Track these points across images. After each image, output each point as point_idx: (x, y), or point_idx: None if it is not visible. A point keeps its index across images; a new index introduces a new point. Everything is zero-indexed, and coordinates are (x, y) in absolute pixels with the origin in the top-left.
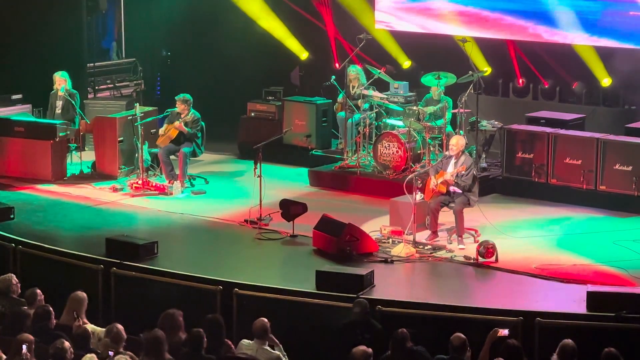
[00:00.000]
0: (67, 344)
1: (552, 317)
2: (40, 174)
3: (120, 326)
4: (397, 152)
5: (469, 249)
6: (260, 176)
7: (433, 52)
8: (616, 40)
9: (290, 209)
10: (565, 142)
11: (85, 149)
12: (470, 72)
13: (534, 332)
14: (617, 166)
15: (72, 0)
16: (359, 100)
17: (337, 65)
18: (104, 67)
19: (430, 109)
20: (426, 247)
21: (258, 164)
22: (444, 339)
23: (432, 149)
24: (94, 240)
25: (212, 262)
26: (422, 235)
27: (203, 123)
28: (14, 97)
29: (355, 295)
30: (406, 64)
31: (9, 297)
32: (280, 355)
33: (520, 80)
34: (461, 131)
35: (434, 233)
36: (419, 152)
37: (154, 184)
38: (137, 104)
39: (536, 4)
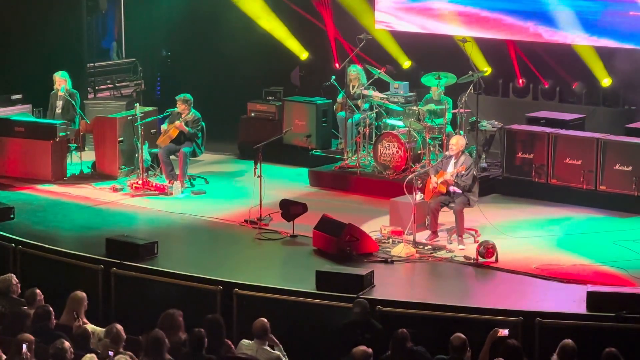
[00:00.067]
0: (67, 344)
1: (552, 317)
2: (40, 174)
3: (120, 326)
4: (397, 152)
5: (469, 249)
6: (260, 176)
7: (433, 52)
8: (616, 40)
9: (290, 209)
10: (565, 142)
11: (85, 149)
12: (470, 72)
13: (534, 332)
14: (617, 166)
15: (72, 0)
16: (359, 100)
17: (337, 65)
18: (104, 67)
19: (431, 106)
20: (426, 247)
21: (258, 164)
22: (444, 339)
23: (432, 149)
24: (94, 240)
25: (212, 262)
26: (422, 236)
27: (203, 123)
28: (14, 97)
29: (355, 296)
30: (406, 64)
31: (9, 297)
32: (280, 355)
33: (520, 81)
34: (461, 131)
35: (434, 233)
36: (419, 152)
37: (154, 184)
38: (137, 104)
39: (536, 4)
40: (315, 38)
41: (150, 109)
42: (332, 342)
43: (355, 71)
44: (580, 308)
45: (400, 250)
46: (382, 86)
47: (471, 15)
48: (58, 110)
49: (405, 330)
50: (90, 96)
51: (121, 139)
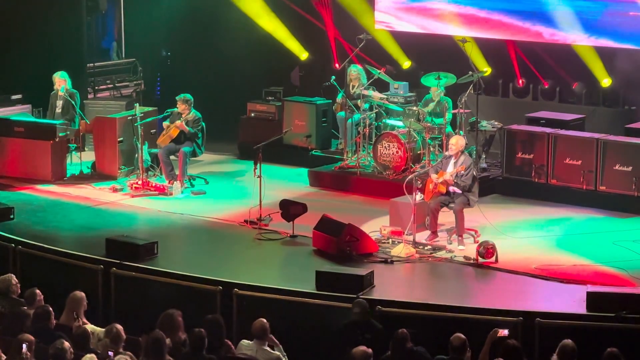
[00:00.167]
0: (67, 344)
1: (552, 317)
2: (40, 174)
3: (119, 326)
4: (397, 152)
5: (469, 249)
6: (260, 176)
7: (433, 52)
8: (616, 41)
9: (290, 209)
10: (565, 143)
11: (85, 149)
12: (470, 72)
13: (534, 332)
14: (617, 166)
15: (72, 0)
16: (359, 100)
17: (337, 65)
18: (104, 67)
19: (431, 106)
20: (426, 248)
21: (258, 164)
22: (444, 340)
23: (432, 149)
24: (94, 240)
25: (212, 262)
26: (422, 236)
27: (203, 123)
28: (14, 97)
29: (355, 296)
30: (406, 64)
31: (8, 297)
32: (280, 355)
33: (520, 81)
34: (461, 131)
35: (434, 233)
36: (418, 152)
37: (153, 184)
38: (137, 104)
39: (536, 4)
40: (315, 38)
41: (150, 109)
42: (332, 342)
43: (355, 71)
44: (580, 308)
45: (400, 250)
46: (382, 86)
47: (471, 16)
48: (58, 110)
49: (405, 330)
50: (90, 96)
51: (121, 139)
